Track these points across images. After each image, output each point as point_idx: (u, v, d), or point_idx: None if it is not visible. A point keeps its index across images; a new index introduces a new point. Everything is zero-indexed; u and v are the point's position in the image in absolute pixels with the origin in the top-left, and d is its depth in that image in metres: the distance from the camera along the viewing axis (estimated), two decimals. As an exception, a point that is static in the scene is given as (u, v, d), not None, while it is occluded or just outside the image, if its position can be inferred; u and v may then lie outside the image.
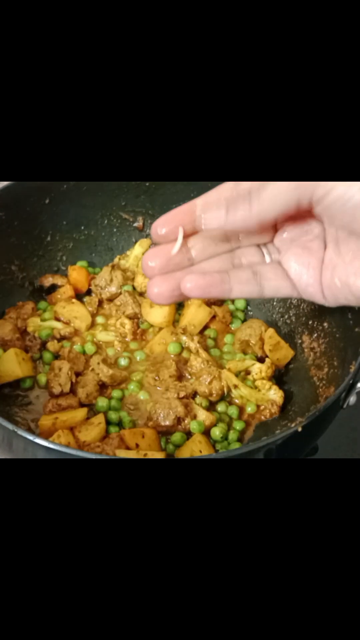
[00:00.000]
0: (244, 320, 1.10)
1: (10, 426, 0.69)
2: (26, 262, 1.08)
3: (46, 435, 0.87)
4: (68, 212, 1.10)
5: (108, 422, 0.92)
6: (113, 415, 0.93)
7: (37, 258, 1.09)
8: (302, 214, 0.61)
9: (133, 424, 0.93)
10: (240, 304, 1.12)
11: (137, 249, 1.13)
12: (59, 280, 1.10)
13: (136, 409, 0.96)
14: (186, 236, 0.61)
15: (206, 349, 1.04)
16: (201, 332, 1.07)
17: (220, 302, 1.11)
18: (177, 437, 0.90)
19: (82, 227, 1.13)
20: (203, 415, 0.93)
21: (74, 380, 0.95)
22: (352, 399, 0.80)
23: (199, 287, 0.58)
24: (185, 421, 0.91)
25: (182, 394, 0.94)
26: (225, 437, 0.92)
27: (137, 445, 0.87)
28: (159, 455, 0.86)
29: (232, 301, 1.12)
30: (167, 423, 0.90)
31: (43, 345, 1.02)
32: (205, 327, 1.08)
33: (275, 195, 0.56)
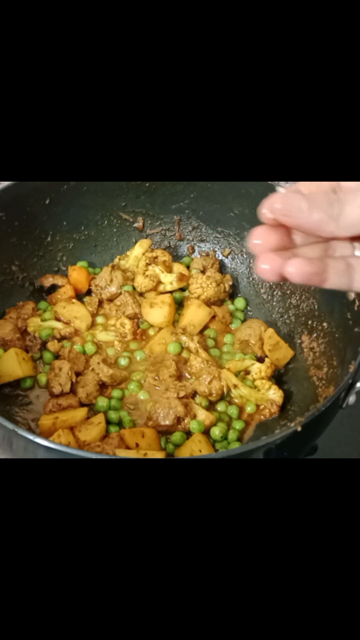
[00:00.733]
0: (243, 320, 1.10)
1: (10, 426, 0.69)
2: (26, 263, 1.08)
3: (46, 435, 0.88)
4: (68, 212, 1.10)
5: (108, 422, 0.92)
6: (113, 415, 0.93)
7: (37, 258, 1.09)
8: None
9: (133, 423, 0.94)
10: (240, 304, 1.12)
11: (137, 250, 1.13)
12: (59, 280, 1.10)
13: (136, 408, 0.96)
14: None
15: (206, 348, 1.04)
16: (201, 332, 1.08)
17: (220, 302, 1.11)
18: (177, 436, 0.90)
19: (82, 228, 1.13)
20: (203, 415, 0.93)
21: (74, 380, 0.95)
22: (352, 399, 0.80)
23: (303, 273, 0.57)
24: (185, 421, 0.92)
25: (181, 394, 0.94)
26: (224, 437, 0.92)
27: (137, 445, 0.87)
28: (159, 454, 0.86)
29: (232, 301, 1.13)
30: (167, 423, 0.91)
31: (43, 345, 1.02)
32: (205, 327, 1.08)
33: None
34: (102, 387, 0.98)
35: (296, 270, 0.56)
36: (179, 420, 0.91)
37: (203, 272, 1.12)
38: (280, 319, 1.08)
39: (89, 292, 1.12)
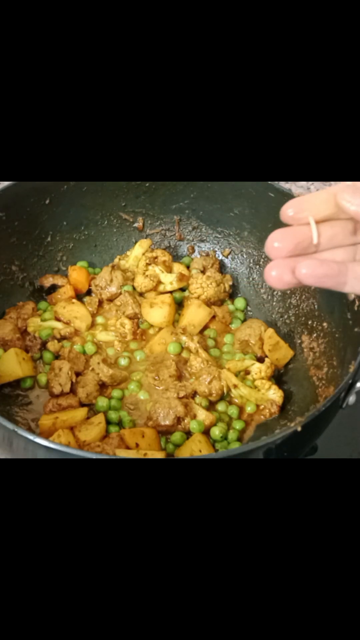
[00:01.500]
0: (243, 320, 1.11)
1: (10, 426, 0.69)
2: (26, 263, 1.08)
3: (46, 435, 0.88)
4: (68, 212, 1.10)
5: (108, 422, 0.92)
6: (113, 415, 0.93)
7: (37, 258, 1.09)
8: None
9: (133, 423, 0.94)
10: (240, 304, 1.12)
11: (137, 250, 1.13)
12: (59, 280, 1.10)
13: (136, 408, 0.96)
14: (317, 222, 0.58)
15: (206, 348, 1.04)
16: (201, 332, 1.08)
17: (220, 302, 1.11)
18: (177, 436, 0.90)
19: (82, 228, 1.14)
20: (203, 415, 0.93)
21: (74, 380, 0.95)
22: (352, 399, 0.80)
23: (315, 275, 0.55)
24: (185, 421, 0.92)
25: (181, 394, 0.94)
26: (225, 437, 0.92)
27: (137, 445, 0.87)
28: (159, 454, 0.86)
29: (232, 301, 1.13)
30: (167, 423, 0.91)
31: (43, 345, 1.02)
32: (205, 327, 1.08)
33: None
34: (102, 387, 0.98)
35: (310, 272, 0.55)
36: (179, 420, 0.91)
37: (203, 272, 1.12)
38: (280, 319, 1.08)
39: (89, 292, 1.12)
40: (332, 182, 1.52)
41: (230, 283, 1.12)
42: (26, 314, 1.04)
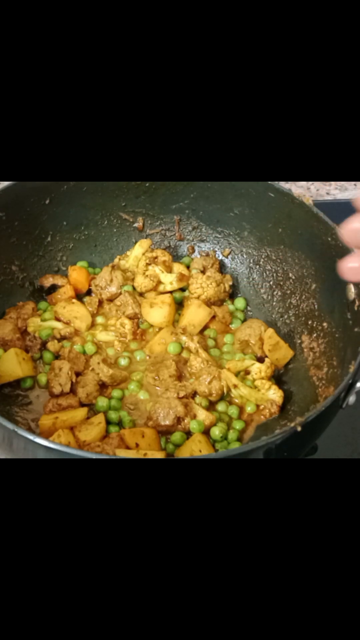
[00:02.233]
0: (243, 320, 1.11)
1: (10, 426, 0.69)
2: (26, 263, 1.08)
3: (46, 435, 0.88)
4: (68, 212, 1.10)
5: (108, 422, 0.92)
6: (113, 415, 0.93)
7: (37, 258, 1.09)
8: None
9: (133, 423, 0.94)
10: (240, 304, 1.12)
11: (137, 250, 1.13)
12: (59, 280, 1.10)
13: (136, 408, 0.96)
14: None
15: (206, 348, 1.04)
16: (201, 332, 1.08)
17: (220, 302, 1.11)
18: (177, 436, 0.90)
19: (82, 228, 1.14)
20: (203, 415, 0.93)
21: (74, 380, 0.95)
22: (352, 399, 0.80)
23: None
24: (185, 421, 0.92)
25: (181, 394, 0.94)
26: (224, 437, 0.92)
27: (137, 445, 0.87)
28: (159, 454, 0.86)
29: (232, 301, 1.13)
30: (167, 423, 0.91)
31: (43, 345, 1.02)
32: (205, 327, 1.08)
33: None
34: (102, 387, 0.98)
35: None
36: (179, 420, 0.91)
37: (203, 272, 1.12)
38: (280, 319, 1.08)
39: (89, 292, 1.12)
40: (332, 182, 1.52)
41: (230, 283, 1.12)
42: (26, 314, 1.04)
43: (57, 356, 1.01)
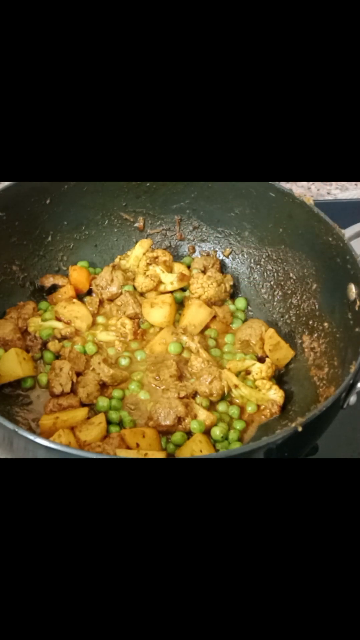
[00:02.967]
0: (244, 320, 1.10)
1: (11, 426, 0.69)
2: (27, 262, 1.08)
3: (47, 435, 0.88)
4: (69, 212, 1.10)
5: (109, 422, 0.92)
6: (114, 415, 0.93)
7: (37, 258, 1.09)
8: None
9: (134, 423, 0.93)
10: (241, 304, 1.12)
11: (138, 249, 1.13)
12: (59, 280, 1.10)
13: (137, 408, 0.96)
14: None
15: (206, 349, 1.04)
16: (201, 332, 1.07)
17: (220, 302, 1.11)
18: (177, 436, 0.90)
19: (83, 227, 1.14)
20: (203, 415, 0.93)
21: (74, 380, 0.95)
22: (353, 399, 0.80)
23: None
24: (186, 421, 0.92)
25: (182, 394, 0.94)
26: (225, 437, 0.92)
27: (137, 445, 0.87)
28: (160, 454, 0.86)
29: (233, 301, 1.13)
30: (168, 423, 0.91)
31: (44, 345, 1.02)
32: (206, 327, 1.08)
33: None
34: (103, 387, 0.98)
35: None
36: (179, 420, 0.91)
37: (204, 272, 1.12)
38: (281, 319, 1.08)
39: (89, 292, 1.12)
40: (333, 182, 1.52)
41: (231, 283, 1.12)
42: (27, 313, 1.04)
43: (57, 356, 1.01)
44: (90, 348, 1.02)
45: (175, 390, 0.94)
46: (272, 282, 1.10)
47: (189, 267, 1.15)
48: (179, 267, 1.14)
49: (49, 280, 1.10)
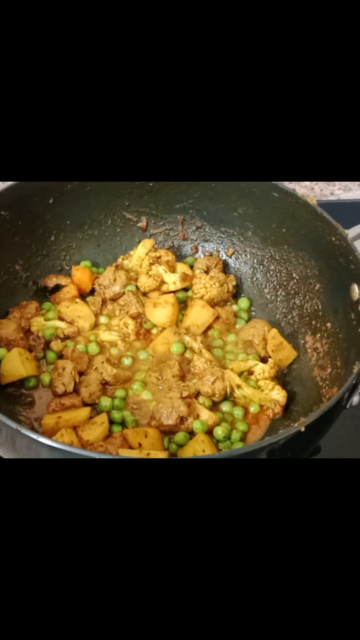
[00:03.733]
0: (247, 321, 1.10)
1: (13, 425, 0.69)
2: (30, 262, 1.08)
3: (49, 434, 0.88)
4: (72, 212, 1.10)
5: (111, 422, 0.92)
6: (116, 415, 0.93)
7: (40, 258, 1.09)
8: None
9: (136, 423, 0.94)
10: (244, 304, 1.12)
11: (141, 249, 1.13)
12: (62, 280, 1.10)
13: (139, 408, 0.96)
14: None
15: (209, 349, 1.04)
16: (204, 332, 1.07)
17: (223, 303, 1.11)
18: (180, 436, 0.90)
19: (86, 227, 1.14)
20: (206, 415, 0.93)
21: (77, 380, 0.95)
22: (355, 399, 0.80)
23: None
24: (188, 421, 0.91)
25: (185, 394, 0.94)
26: (228, 437, 0.92)
27: (140, 445, 0.87)
28: (162, 454, 0.86)
29: (236, 301, 1.13)
30: (170, 422, 0.91)
31: (47, 345, 1.02)
32: (209, 327, 1.08)
33: None
34: (105, 386, 0.98)
35: None
36: (182, 420, 0.91)
37: (206, 272, 1.12)
38: (284, 319, 1.08)
39: (92, 292, 1.12)
40: (336, 182, 1.52)
41: (234, 283, 1.12)
42: (30, 313, 1.04)
43: (60, 356, 1.01)
44: (93, 348, 1.02)
45: (177, 390, 0.94)
46: (275, 282, 1.10)
47: (191, 267, 1.15)
48: (181, 267, 1.13)
49: (51, 280, 1.10)
